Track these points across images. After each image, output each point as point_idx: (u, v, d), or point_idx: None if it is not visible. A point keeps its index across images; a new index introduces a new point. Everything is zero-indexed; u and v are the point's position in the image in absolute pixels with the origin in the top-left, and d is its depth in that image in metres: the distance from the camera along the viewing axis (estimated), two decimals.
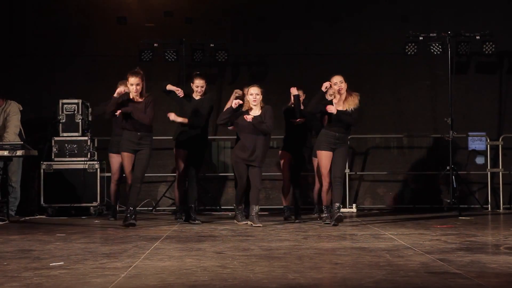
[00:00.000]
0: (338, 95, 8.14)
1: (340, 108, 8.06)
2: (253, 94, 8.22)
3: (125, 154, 8.10)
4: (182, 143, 8.70)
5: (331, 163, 8.08)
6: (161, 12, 11.17)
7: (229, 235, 7.14)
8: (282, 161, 8.89)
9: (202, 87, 8.70)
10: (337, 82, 8.11)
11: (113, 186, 9.16)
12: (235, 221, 8.39)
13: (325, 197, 8.24)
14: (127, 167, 8.11)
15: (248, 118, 8.11)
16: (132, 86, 7.96)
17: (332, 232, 7.37)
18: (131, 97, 8.02)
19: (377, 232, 7.28)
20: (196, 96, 8.75)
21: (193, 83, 8.76)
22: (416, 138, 11.10)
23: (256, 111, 8.23)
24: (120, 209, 9.37)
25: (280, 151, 8.98)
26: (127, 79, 8.04)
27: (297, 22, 11.11)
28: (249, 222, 8.14)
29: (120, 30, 11.14)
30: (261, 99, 8.23)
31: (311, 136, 8.98)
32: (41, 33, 11.07)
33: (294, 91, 8.61)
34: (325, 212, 8.27)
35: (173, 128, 8.94)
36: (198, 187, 8.76)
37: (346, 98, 8.11)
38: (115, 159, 9.02)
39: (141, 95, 8.03)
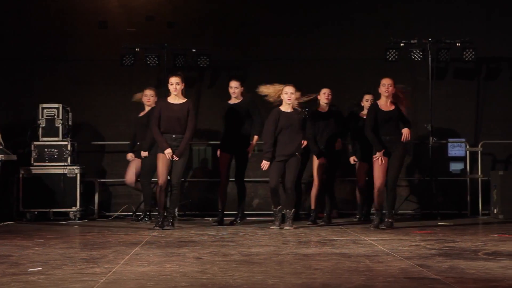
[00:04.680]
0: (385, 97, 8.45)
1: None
2: (288, 93, 8.45)
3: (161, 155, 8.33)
4: (225, 147, 9.01)
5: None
6: (143, 17, 11.13)
7: (209, 240, 7.13)
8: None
9: (236, 88, 9.05)
10: (386, 84, 8.41)
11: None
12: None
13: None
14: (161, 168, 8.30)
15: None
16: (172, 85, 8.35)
17: (312, 237, 7.38)
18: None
19: (356, 238, 7.30)
20: (233, 100, 9.11)
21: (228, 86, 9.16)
22: None
23: (288, 109, 8.49)
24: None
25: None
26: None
27: (279, 27, 11.13)
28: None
29: (102, 35, 11.08)
30: (295, 98, 8.44)
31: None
32: (21, 36, 10.99)
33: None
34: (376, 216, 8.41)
35: None
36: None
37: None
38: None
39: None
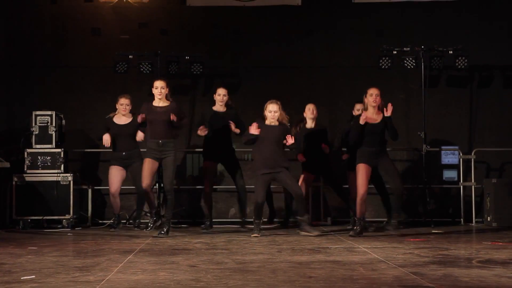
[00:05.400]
0: (372, 108, 8.35)
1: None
2: (272, 112, 8.42)
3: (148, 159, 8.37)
4: (212, 156, 9.05)
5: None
6: (136, 24, 11.14)
7: (203, 248, 7.11)
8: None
9: (224, 96, 9.08)
10: (373, 94, 8.30)
11: (111, 198, 9.41)
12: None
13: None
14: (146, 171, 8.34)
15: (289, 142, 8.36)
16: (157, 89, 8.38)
17: (306, 245, 7.37)
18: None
19: (350, 245, 7.30)
20: (219, 107, 9.14)
21: (215, 93, 9.18)
22: (390, 151, 11.13)
23: (271, 123, 8.46)
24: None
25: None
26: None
27: (272, 35, 11.15)
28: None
29: (95, 41, 11.08)
30: (279, 115, 8.41)
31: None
32: (14, 43, 10.98)
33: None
34: (357, 224, 8.33)
35: None
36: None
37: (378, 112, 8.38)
38: (114, 171, 9.32)
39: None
